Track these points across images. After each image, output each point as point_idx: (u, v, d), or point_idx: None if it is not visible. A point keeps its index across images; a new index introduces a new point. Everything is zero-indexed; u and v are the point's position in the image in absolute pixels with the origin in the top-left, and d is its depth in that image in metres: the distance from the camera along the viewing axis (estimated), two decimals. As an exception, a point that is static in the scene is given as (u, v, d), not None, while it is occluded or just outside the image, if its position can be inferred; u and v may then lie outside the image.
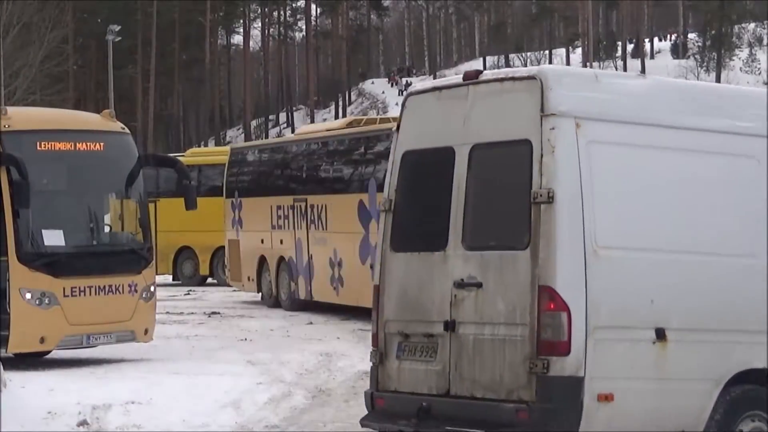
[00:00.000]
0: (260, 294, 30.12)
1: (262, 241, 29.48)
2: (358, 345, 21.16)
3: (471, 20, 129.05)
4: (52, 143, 18.99)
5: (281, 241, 28.60)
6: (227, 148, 33.40)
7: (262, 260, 29.52)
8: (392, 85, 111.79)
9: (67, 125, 19.89)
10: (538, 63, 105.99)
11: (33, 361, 18.77)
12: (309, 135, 30.11)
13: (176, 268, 37.89)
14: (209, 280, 37.61)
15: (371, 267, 22.45)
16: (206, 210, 34.10)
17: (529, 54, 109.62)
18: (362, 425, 11.16)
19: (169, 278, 37.89)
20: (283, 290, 28.66)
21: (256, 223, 29.76)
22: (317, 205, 26.90)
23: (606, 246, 9.74)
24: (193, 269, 37.59)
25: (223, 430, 13.50)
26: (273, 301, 29.11)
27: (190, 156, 41.87)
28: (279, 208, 28.67)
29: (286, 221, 28.33)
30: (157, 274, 37.28)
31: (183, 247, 37.20)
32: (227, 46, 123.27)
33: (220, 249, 35.10)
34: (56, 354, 19.45)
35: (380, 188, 22.55)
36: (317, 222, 26.94)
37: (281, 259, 28.61)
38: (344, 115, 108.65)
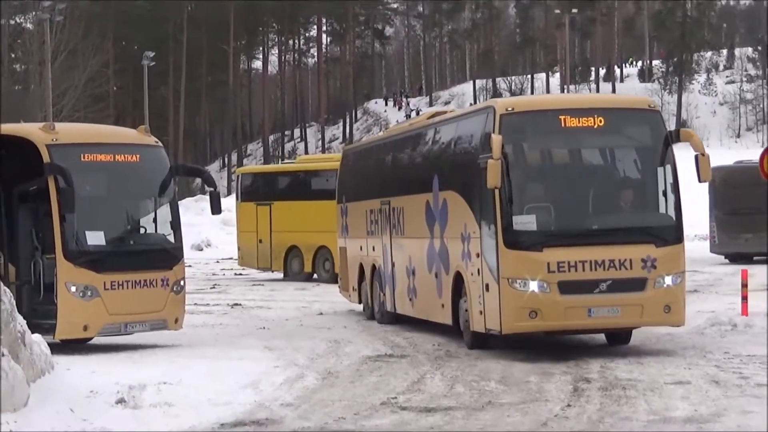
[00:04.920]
0: (362, 305, 24.29)
1: (361, 248, 23.98)
2: (362, 333, 21.14)
3: (462, 48, 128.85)
4: (94, 155, 19.03)
5: (373, 248, 23.11)
6: (335, 155, 30.55)
7: (361, 269, 23.95)
8: (399, 108, 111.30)
9: (107, 139, 19.92)
10: (521, 86, 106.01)
11: (77, 346, 18.77)
12: (395, 131, 24.67)
13: (286, 265, 36.57)
14: (314, 276, 35.94)
15: (435, 276, 19.52)
16: (313, 212, 33.71)
17: (513, 78, 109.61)
18: None
19: (280, 275, 36.94)
20: (376, 301, 23.07)
21: (357, 229, 24.33)
22: (397, 208, 21.67)
23: None
24: (300, 266, 36.14)
25: (244, 407, 13.50)
26: (370, 313, 23.45)
27: (300, 162, 41.32)
28: (371, 212, 23.16)
29: (376, 226, 22.83)
30: (271, 270, 36.64)
31: (292, 246, 36.05)
32: (248, 70, 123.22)
33: (322, 248, 34.38)
34: (97, 340, 19.47)
35: (442, 186, 19.21)
36: (397, 226, 21.64)
37: (373, 267, 23.13)
38: (351, 132, 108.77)
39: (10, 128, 20.15)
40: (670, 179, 16.90)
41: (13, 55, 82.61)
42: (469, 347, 17.89)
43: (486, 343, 17.68)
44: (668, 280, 16.68)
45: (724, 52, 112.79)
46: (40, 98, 61.74)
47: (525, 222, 16.45)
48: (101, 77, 75.34)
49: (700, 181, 17.03)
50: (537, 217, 16.52)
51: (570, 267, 16.34)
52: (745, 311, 20.67)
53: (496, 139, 16.20)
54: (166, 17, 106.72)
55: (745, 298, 20.97)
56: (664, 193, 16.98)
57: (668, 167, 16.91)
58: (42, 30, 63.03)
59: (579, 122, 16.84)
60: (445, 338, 19.40)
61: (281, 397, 14.19)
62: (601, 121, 16.89)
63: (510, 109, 16.85)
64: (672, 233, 16.90)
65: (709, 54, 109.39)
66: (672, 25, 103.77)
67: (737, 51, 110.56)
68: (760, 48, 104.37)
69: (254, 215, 36.78)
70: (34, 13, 71.85)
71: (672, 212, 16.96)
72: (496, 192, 16.34)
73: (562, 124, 16.84)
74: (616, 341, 18.00)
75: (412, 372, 16.06)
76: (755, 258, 35.35)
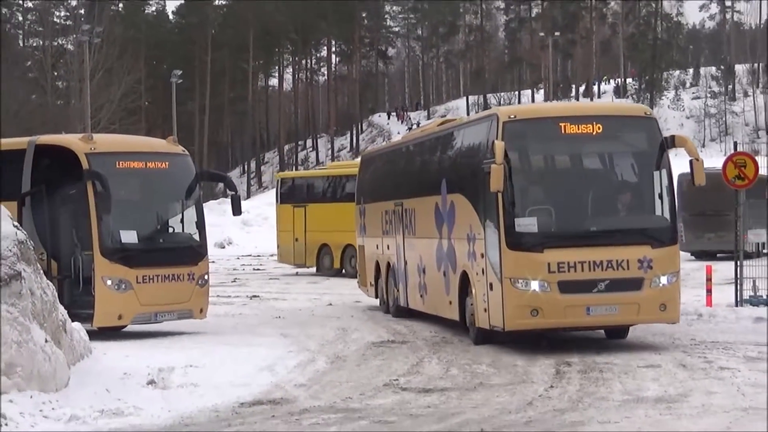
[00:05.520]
0: (378, 300, 23.39)
1: (377, 247, 23.00)
2: (368, 322, 21.11)
3: (457, 67, 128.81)
4: (128, 162, 19.02)
5: (388, 247, 22.16)
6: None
7: (378, 266, 23.02)
8: (401, 122, 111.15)
9: (139, 148, 19.91)
10: (509, 102, 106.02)
11: (112, 333, 18.78)
12: (408, 137, 23.40)
13: (318, 262, 36.04)
14: (343, 272, 35.21)
15: (444, 275, 18.58)
16: (341, 213, 33.36)
17: (502, 94, 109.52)
18: None
19: (313, 270, 36.40)
20: (391, 297, 22.17)
21: (374, 229, 23.34)
22: (409, 209, 20.67)
23: None
24: (330, 263, 35.62)
25: (261, 388, 13.50)
26: (385, 307, 22.59)
27: (331, 168, 41.06)
28: (386, 212, 22.17)
29: (391, 226, 21.88)
30: (306, 266, 36.08)
31: (323, 244, 35.58)
32: (266, 87, 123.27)
33: (349, 246, 33.60)
34: (130, 328, 19.44)
35: (450, 189, 18.22)
36: (410, 226, 20.64)
37: (388, 265, 22.20)
38: (357, 142, 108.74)
39: (53, 138, 20.22)
40: (665, 183, 15.95)
41: (56, 73, 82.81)
42: (475, 343, 16.94)
43: (490, 339, 16.72)
44: (664, 279, 15.71)
45: (691, 71, 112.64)
46: (79, 111, 61.81)
47: (526, 224, 15.49)
48: (134, 93, 75.38)
49: (694, 184, 16.10)
50: (538, 219, 15.56)
51: (569, 267, 15.37)
52: (709, 302, 20.68)
53: (499, 145, 15.33)
54: (193, 40, 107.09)
55: (709, 291, 20.97)
56: (660, 197, 15.97)
57: (663, 171, 15.97)
58: (82, 51, 63.16)
59: (578, 129, 15.88)
60: (440, 326, 19.37)
61: (295, 379, 14.18)
62: (599, 128, 15.93)
63: (512, 116, 15.96)
64: (667, 235, 15.95)
65: (677, 73, 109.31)
66: (644, 47, 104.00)
67: (702, 70, 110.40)
68: (722, 67, 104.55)
69: (291, 216, 36.55)
70: (75, 36, 71.98)
71: (667, 215, 16.00)
72: (499, 195, 15.45)
73: (562, 131, 15.87)
74: (615, 336, 17.18)
75: (411, 356, 16.05)
76: (718, 255, 35.33)
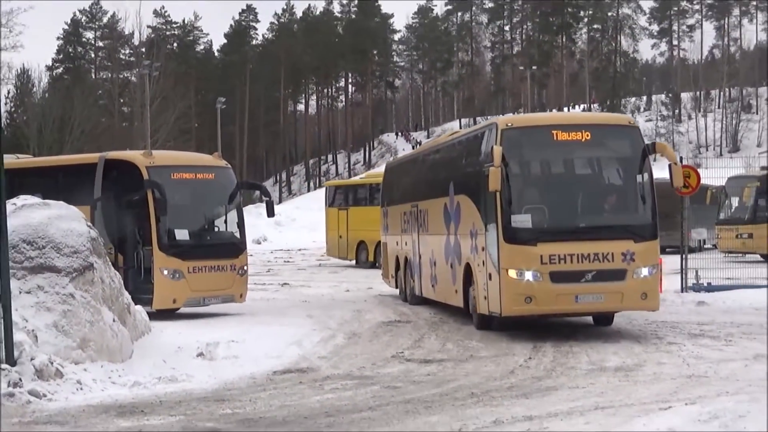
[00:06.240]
0: (398, 290, 22.53)
1: (396, 243, 22.30)
2: (378, 306, 21.05)
3: (451, 95, 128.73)
4: (181, 174, 19.02)
5: (406, 243, 21.45)
6: None
7: (397, 260, 22.29)
8: (406, 140, 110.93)
9: (190, 162, 19.92)
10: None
11: (168, 314, 18.75)
12: (422, 148, 22.57)
13: (357, 256, 35.50)
14: (376, 265, 33.98)
15: (451, 267, 17.77)
16: (375, 215, 32.91)
17: (489, 117, 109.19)
18: None
19: (353, 263, 35.92)
20: (408, 287, 21.31)
21: (394, 228, 22.65)
22: (423, 210, 19.89)
23: None
24: (366, 257, 35.02)
25: (290, 359, 13.49)
26: (404, 297, 21.71)
27: (367, 177, 40.59)
28: (404, 213, 21.48)
29: (408, 225, 21.18)
30: (348, 259, 35.75)
31: (360, 241, 35.10)
32: (294, 111, 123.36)
33: (380, 243, 33.33)
34: (183, 310, 19.43)
35: (456, 190, 17.33)
36: (423, 225, 19.91)
37: (406, 259, 21.45)
38: (369, 157, 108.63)
39: (119, 154, 20.24)
40: (647, 185, 14.97)
41: (122, 100, 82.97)
42: (477, 327, 16.08)
43: (490, 323, 15.84)
44: (645, 271, 14.87)
45: (644, 98, 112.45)
46: (141, 132, 61.88)
47: (522, 220, 14.56)
48: (186, 117, 75.49)
49: (672, 186, 15.31)
50: (532, 216, 14.60)
51: (560, 259, 14.40)
52: (660, 289, 20.58)
53: (497, 150, 14.47)
54: (234, 74, 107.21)
55: (660, 280, 20.87)
56: (642, 197, 15.03)
57: (645, 174, 14.96)
58: (143, 82, 63.21)
59: (569, 136, 14.93)
60: (437, 309, 19.35)
61: (318, 352, 14.17)
62: (587, 135, 14.97)
63: (509, 124, 15.12)
64: (648, 231, 15.03)
65: (633, 99, 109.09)
66: (606, 79, 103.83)
67: (654, 97, 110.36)
68: (670, 95, 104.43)
69: (336, 217, 36.39)
70: (137, 69, 72.10)
71: (648, 213, 15.05)
72: (497, 195, 14.59)
73: (554, 138, 14.92)
74: (601, 323, 16.29)
75: (414, 333, 16.03)
76: (667, 249, 35.23)
